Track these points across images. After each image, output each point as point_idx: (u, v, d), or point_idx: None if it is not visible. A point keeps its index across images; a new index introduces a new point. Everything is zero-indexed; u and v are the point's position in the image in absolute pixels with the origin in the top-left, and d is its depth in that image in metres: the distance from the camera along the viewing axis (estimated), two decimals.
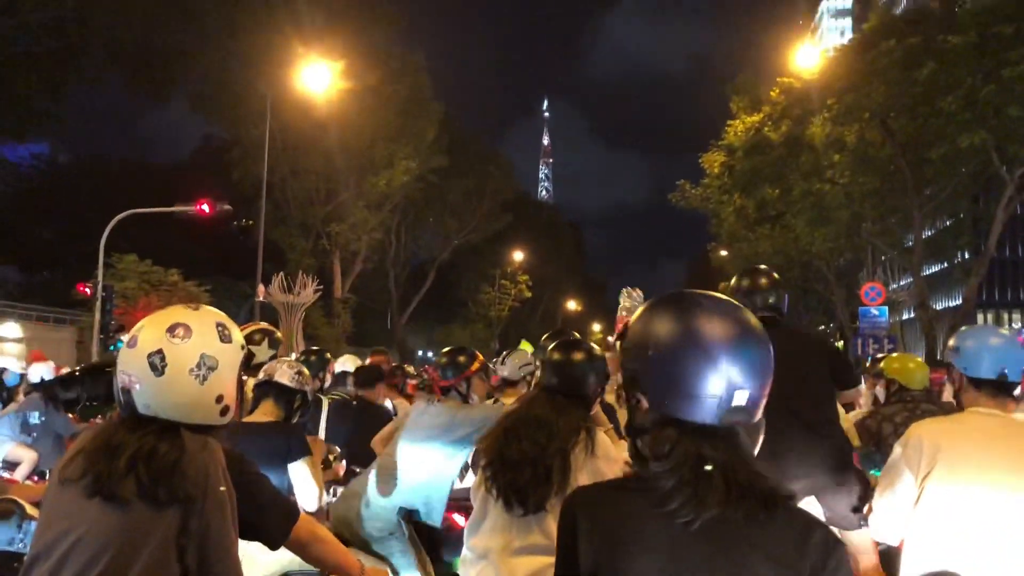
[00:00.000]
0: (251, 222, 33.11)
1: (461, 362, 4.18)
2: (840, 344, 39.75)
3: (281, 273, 23.41)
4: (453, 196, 40.31)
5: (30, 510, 2.78)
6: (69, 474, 1.99)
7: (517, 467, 2.85)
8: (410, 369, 9.98)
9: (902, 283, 40.71)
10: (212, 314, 2.18)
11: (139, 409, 2.03)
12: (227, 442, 2.16)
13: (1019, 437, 2.81)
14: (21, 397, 7.75)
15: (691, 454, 1.41)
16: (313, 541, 2.41)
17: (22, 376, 7.96)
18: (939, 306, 38.26)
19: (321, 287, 24.41)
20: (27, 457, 7.16)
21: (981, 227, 27.63)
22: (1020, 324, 57.17)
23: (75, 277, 26.30)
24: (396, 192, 34.35)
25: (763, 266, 4.51)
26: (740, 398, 1.40)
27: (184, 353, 2.03)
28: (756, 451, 1.48)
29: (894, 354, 5.17)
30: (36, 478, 7.20)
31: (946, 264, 34.89)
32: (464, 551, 3.02)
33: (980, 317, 56.52)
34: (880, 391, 6.34)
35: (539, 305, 57.48)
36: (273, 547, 2.31)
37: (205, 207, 22.01)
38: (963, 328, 3.24)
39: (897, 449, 2.90)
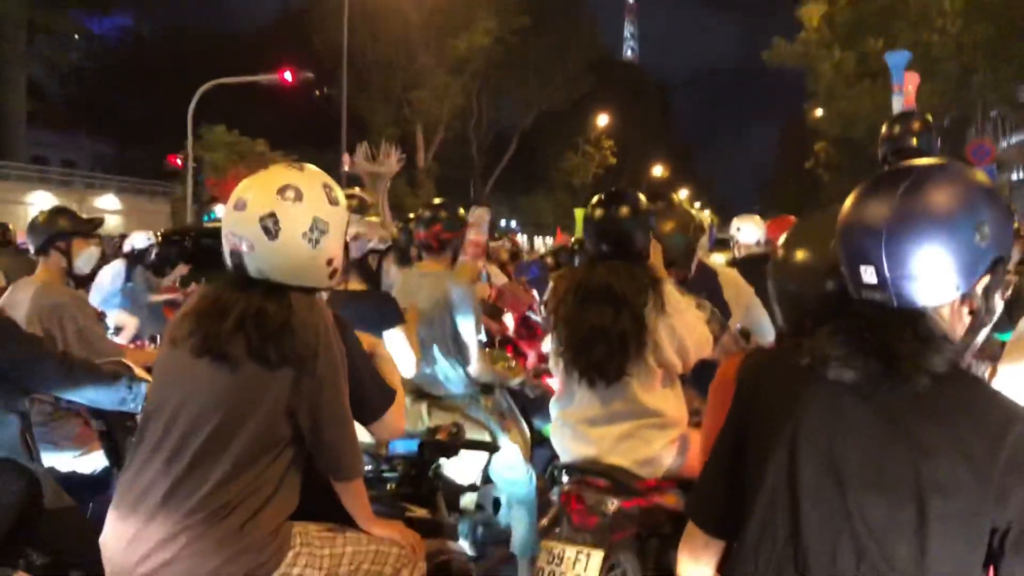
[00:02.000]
0: (332, 90, 33.05)
1: (448, 219, 3.82)
2: None
3: (365, 142, 23.41)
4: (535, 58, 39.19)
5: (140, 373, 2.85)
6: (178, 334, 2.02)
7: (590, 344, 2.80)
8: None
9: (1013, 141, 38.32)
10: (318, 174, 2.12)
11: (250, 272, 2.02)
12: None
13: None
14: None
15: (848, 326, 1.36)
16: (399, 427, 2.37)
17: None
18: None
19: (404, 156, 24.37)
20: (130, 323, 7.47)
21: None
22: None
23: (166, 150, 26.83)
24: (476, 55, 33.57)
25: (913, 110, 4.37)
26: (867, 275, 1.34)
27: (297, 216, 2.00)
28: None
29: None
30: (139, 343, 7.53)
31: None
32: (554, 421, 3.04)
33: None
34: (1016, 252, 5.97)
35: (623, 172, 56.47)
36: (365, 423, 2.25)
37: (288, 75, 22.00)
38: None
39: None
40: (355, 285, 3.85)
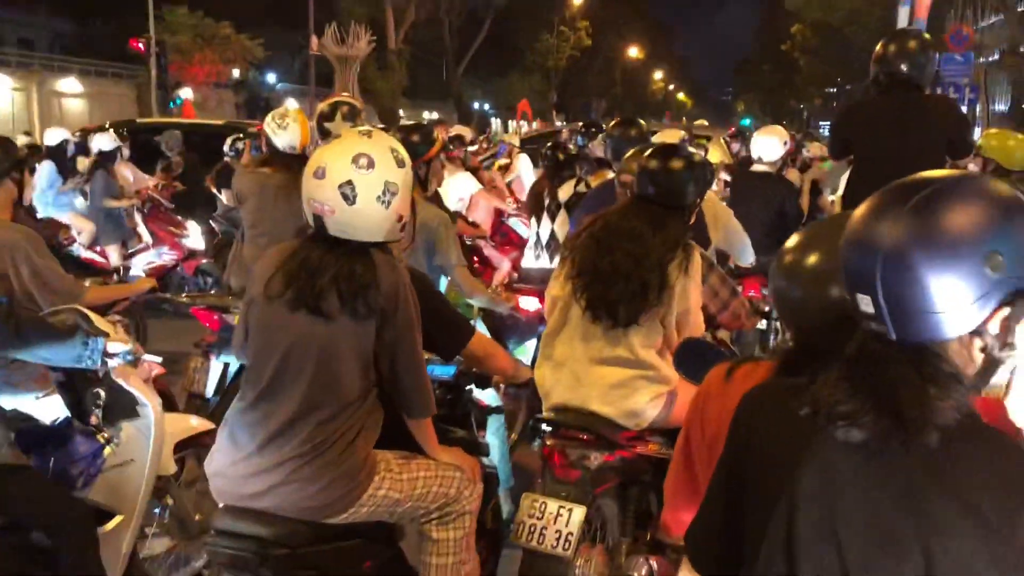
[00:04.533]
0: None
1: (417, 143, 3.66)
2: None
3: (334, 24, 22.61)
4: None
5: (97, 323, 2.72)
6: (273, 291, 2.30)
7: (609, 280, 2.75)
8: (467, 134, 9.61)
9: (992, 21, 37.86)
10: (385, 140, 2.37)
11: (332, 232, 2.28)
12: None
13: None
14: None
15: (854, 372, 1.23)
16: (485, 356, 2.77)
17: (77, 145, 7.98)
18: None
19: (375, 39, 23.65)
20: (86, 228, 7.39)
21: None
22: None
23: (128, 29, 25.79)
24: None
25: (913, 28, 4.32)
26: (864, 304, 1.20)
27: (371, 182, 2.25)
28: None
29: (992, 130, 4.83)
30: (99, 249, 7.48)
31: None
32: (542, 356, 2.98)
33: None
34: (974, 168, 6.02)
35: (599, 53, 55.26)
36: (448, 358, 2.73)
37: None
38: None
39: None
40: None
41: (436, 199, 4.11)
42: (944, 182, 1.20)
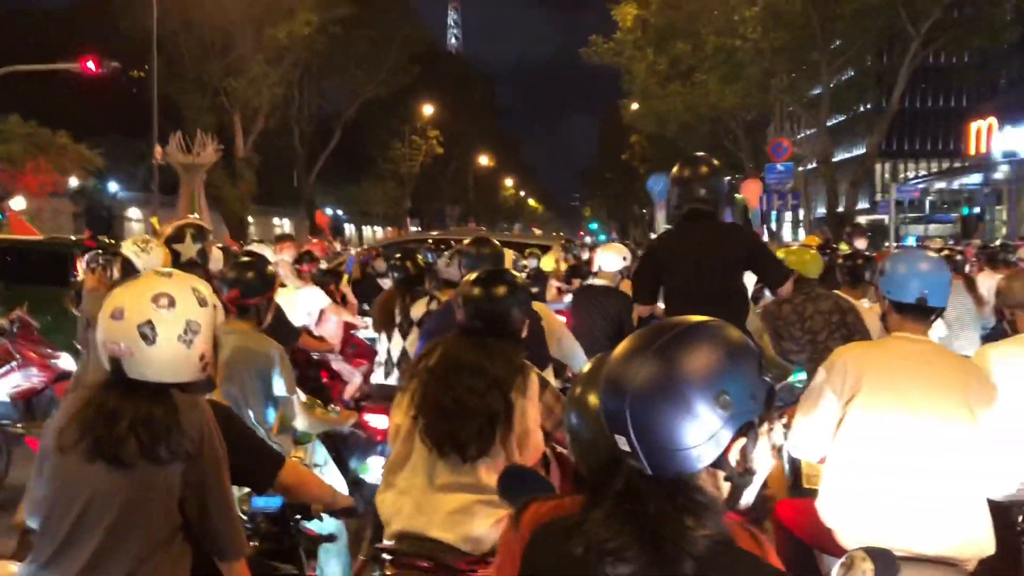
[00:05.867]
0: (142, 74, 31.15)
1: (252, 280, 3.65)
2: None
3: (179, 132, 22.21)
4: (358, 48, 38.59)
5: None
6: (66, 442, 2.17)
7: (455, 417, 2.74)
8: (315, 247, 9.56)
9: (807, 133, 41.52)
10: (187, 279, 2.34)
11: (130, 375, 2.18)
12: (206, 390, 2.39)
13: (941, 363, 2.89)
14: None
15: (612, 491, 1.32)
16: (298, 485, 2.70)
17: None
18: (842, 156, 39.36)
19: (222, 147, 23.37)
20: None
21: (884, 81, 28.19)
22: (914, 174, 59.37)
23: None
24: (297, 45, 32.59)
25: (702, 154, 4.63)
26: (621, 443, 1.31)
27: (172, 322, 2.20)
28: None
29: (793, 246, 5.28)
30: None
31: (848, 116, 35.64)
32: (385, 484, 2.95)
33: (879, 167, 58.50)
34: None
35: (451, 161, 56.71)
36: (260, 491, 2.64)
37: (91, 64, 20.39)
38: (892, 252, 3.28)
39: (822, 372, 2.97)
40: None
41: (276, 321, 4.07)
42: (682, 329, 1.33)
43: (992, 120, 40.55)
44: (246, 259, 3.95)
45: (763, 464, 1.36)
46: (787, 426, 3.16)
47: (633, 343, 1.35)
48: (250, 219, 37.02)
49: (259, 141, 35.93)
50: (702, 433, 1.27)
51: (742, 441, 1.31)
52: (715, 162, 4.46)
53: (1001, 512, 3.08)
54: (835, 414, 2.86)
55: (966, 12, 23.99)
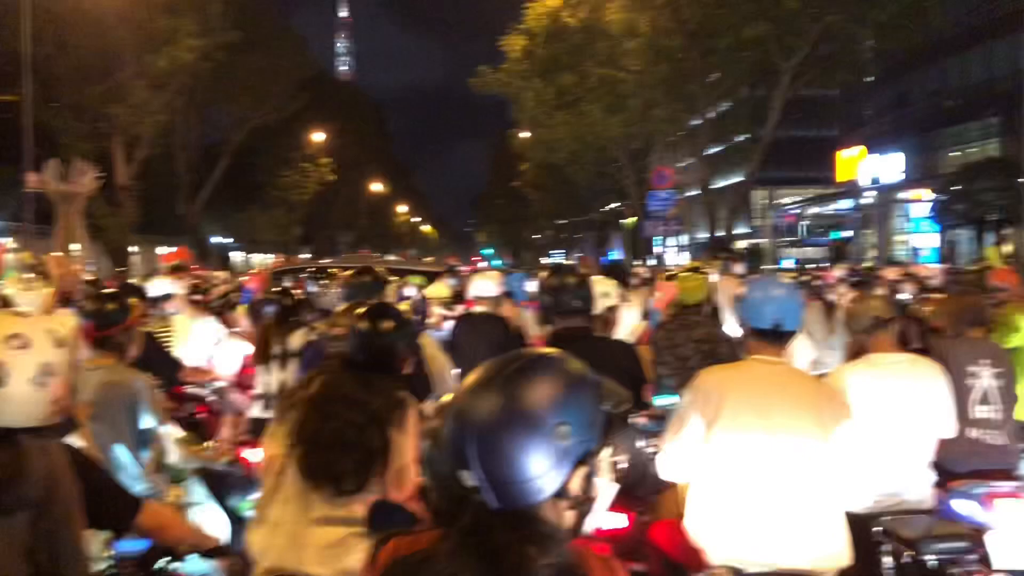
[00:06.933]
0: (15, 97, 29.74)
1: (112, 311, 3.58)
2: (632, 222, 41.82)
3: (56, 159, 21.35)
4: (245, 75, 37.95)
5: None
6: None
7: (332, 449, 2.73)
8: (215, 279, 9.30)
9: (688, 163, 43.01)
10: (43, 321, 2.27)
11: None
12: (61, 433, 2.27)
13: (797, 384, 3.06)
14: None
15: (460, 525, 1.34)
16: (159, 528, 2.59)
17: None
18: (721, 183, 40.88)
19: (104, 174, 22.59)
20: None
21: (758, 112, 29.64)
22: (789, 200, 62.23)
23: None
24: (180, 71, 31.79)
25: (571, 262, 4.59)
26: (467, 478, 1.33)
27: (25, 364, 2.10)
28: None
29: (683, 273, 5.49)
30: None
31: (726, 146, 37.10)
32: (258, 518, 2.91)
33: (756, 194, 61.11)
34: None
35: (343, 188, 56.16)
36: (119, 534, 2.54)
37: None
38: (750, 279, 3.49)
39: (687, 396, 3.10)
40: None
41: (152, 352, 4.01)
42: (522, 362, 1.38)
43: (858, 149, 43.18)
44: (106, 291, 3.89)
45: (604, 491, 1.41)
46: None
47: (477, 377, 1.39)
48: (133, 249, 35.66)
49: (142, 168, 34.79)
50: (543, 464, 1.31)
51: (583, 470, 1.36)
52: (584, 271, 4.31)
53: (859, 524, 3.28)
54: (700, 436, 2.97)
55: (831, 48, 25.49)
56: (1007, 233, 27.43)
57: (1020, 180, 21.01)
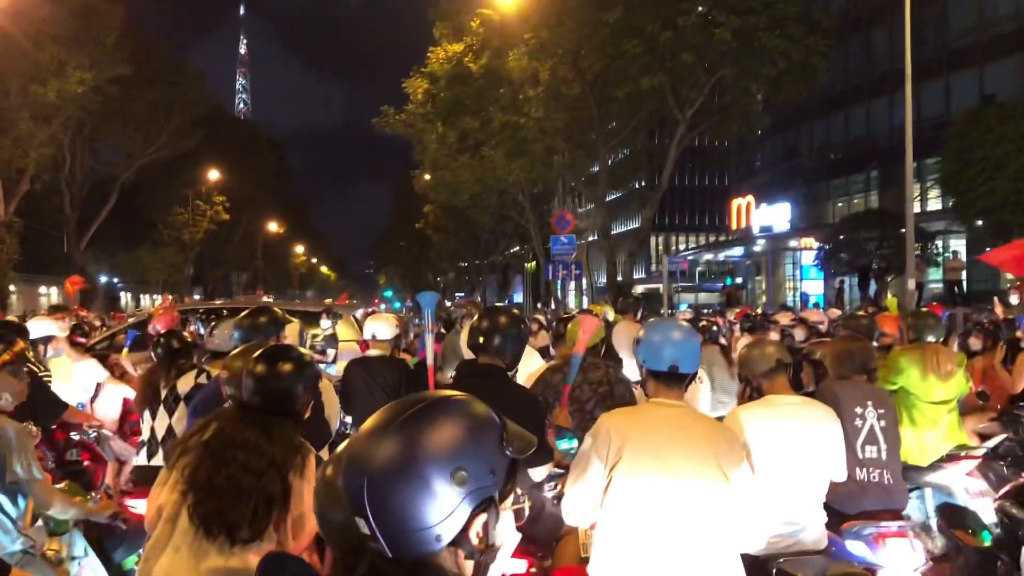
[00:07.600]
0: None
1: None
2: (532, 266, 42.32)
3: None
4: (137, 109, 36.89)
5: None
6: None
7: (227, 497, 2.61)
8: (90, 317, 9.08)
9: (588, 208, 43.88)
10: None
11: None
12: None
13: (695, 427, 3.06)
14: None
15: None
16: None
17: None
18: (620, 229, 41.87)
19: None
20: None
21: (656, 161, 30.52)
22: (685, 246, 64.31)
23: None
24: (69, 104, 30.64)
25: (501, 305, 4.53)
26: (362, 526, 1.26)
27: None
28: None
29: (578, 317, 5.48)
30: None
31: (624, 192, 38.03)
32: (141, 570, 2.76)
33: (654, 240, 62.95)
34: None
35: (238, 227, 54.92)
36: None
37: None
38: (649, 321, 3.52)
39: (588, 439, 3.08)
40: None
41: (35, 395, 3.82)
42: (422, 405, 1.32)
43: (750, 198, 45.00)
44: None
45: (506, 539, 1.33)
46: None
47: (375, 420, 1.33)
48: (12, 288, 33.89)
49: (24, 204, 33.22)
50: (439, 512, 1.25)
51: (482, 517, 1.29)
52: (516, 311, 4.21)
53: (755, 566, 3.32)
54: (602, 479, 2.96)
55: (724, 100, 26.51)
56: (889, 280, 28.92)
57: (901, 231, 22.15)
